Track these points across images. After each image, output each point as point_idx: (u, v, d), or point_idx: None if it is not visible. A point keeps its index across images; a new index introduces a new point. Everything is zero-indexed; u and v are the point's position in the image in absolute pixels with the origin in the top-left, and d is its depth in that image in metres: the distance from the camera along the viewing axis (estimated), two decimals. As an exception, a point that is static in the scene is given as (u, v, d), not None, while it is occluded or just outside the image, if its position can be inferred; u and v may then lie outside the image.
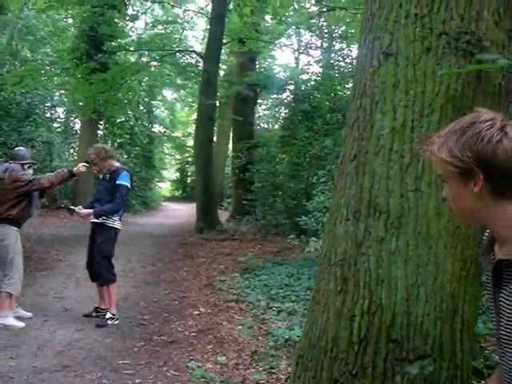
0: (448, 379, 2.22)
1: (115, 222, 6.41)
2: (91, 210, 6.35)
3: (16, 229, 6.12)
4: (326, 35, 20.21)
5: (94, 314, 6.56)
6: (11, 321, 6.01)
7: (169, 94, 30.07)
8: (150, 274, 9.78)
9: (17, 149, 6.60)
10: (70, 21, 21.09)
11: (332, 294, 2.36)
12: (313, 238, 8.58)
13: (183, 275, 9.73)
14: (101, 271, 6.35)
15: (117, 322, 6.30)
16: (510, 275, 1.48)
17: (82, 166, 6.51)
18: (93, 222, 6.48)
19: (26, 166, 6.31)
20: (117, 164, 6.58)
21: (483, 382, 3.38)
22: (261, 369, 5.11)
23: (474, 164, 1.47)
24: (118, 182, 6.30)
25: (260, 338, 6.09)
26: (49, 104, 20.74)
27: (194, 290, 8.44)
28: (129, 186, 6.46)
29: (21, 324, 6.01)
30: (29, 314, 6.35)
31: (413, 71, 2.31)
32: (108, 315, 6.28)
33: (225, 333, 6.24)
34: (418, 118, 2.23)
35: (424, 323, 2.19)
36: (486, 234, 1.66)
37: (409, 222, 2.24)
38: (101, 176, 6.75)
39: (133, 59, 20.04)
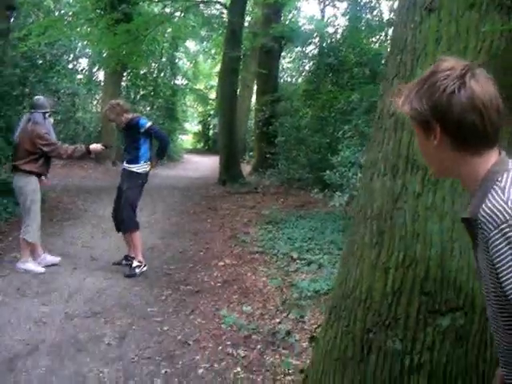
0: (478, 332, 2.28)
1: (141, 167, 6.53)
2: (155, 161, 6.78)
3: (36, 178, 6.24)
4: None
5: (124, 262, 6.72)
6: (31, 266, 6.22)
7: (192, 45, 29.80)
8: (175, 225, 9.92)
9: (36, 97, 6.63)
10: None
11: (367, 247, 2.41)
12: (337, 193, 8.60)
13: (207, 227, 9.85)
14: (123, 218, 6.49)
15: (145, 268, 6.45)
16: (475, 233, 1.44)
17: (99, 147, 6.71)
18: (123, 169, 6.65)
19: (46, 115, 6.37)
20: (132, 114, 6.69)
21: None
22: (286, 319, 5.23)
23: (431, 116, 1.42)
24: (143, 129, 6.43)
25: (284, 289, 6.21)
26: (72, 55, 20.70)
27: (218, 242, 8.57)
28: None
29: (40, 269, 6.21)
30: (57, 259, 6.57)
31: (455, 27, 2.29)
32: (135, 263, 6.42)
33: (249, 283, 6.37)
34: (459, 75, 2.23)
35: (457, 277, 2.24)
36: None
37: (446, 178, 2.25)
38: (120, 129, 6.93)
39: (156, 10, 19.83)
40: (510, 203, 1.33)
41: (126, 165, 6.59)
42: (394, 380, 2.27)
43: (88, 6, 16.62)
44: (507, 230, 1.31)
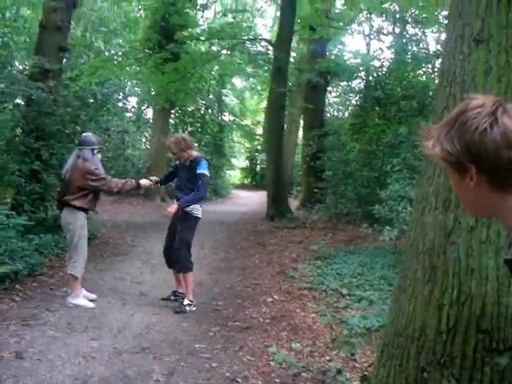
0: (538, 371, 2.18)
1: (197, 211, 6.55)
2: (176, 206, 6.54)
3: (84, 214, 6.33)
4: (398, 20, 19.80)
5: (172, 297, 6.72)
6: (81, 301, 6.24)
7: (238, 82, 30.29)
8: (223, 260, 9.92)
9: (84, 134, 6.76)
10: (141, 12, 21.51)
11: (420, 283, 2.36)
12: (387, 227, 8.48)
13: (255, 262, 9.82)
14: (179, 258, 6.50)
15: (194, 308, 6.42)
16: None
17: (148, 182, 6.84)
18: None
19: (95, 151, 6.49)
20: (196, 153, 6.70)
21: None
22: (336, 356, 5.13)
23: (464, 157, 1.34)
24: (198, 172, 6.44)
25: (334, 326, 6.10)
26: (121, 94, 21.30)
27: (266, 277, 8.51)
28: (208, 174, 6.62)
29: (91, 305, 6.23)
30: (93, 296, 6.53)
31: (505, 57, 2.26)
32: (186, 301, 6.40)
33: (298, 320, 6.28)
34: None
35: (515, 314, 2.16)
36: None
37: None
38: (177, 162, 6.94)
39: (203, 48, 20.28)
40: None
41: (177, 203, 6.62)
42: (451, 422, 2.19)
43: (137, 47, 17.14)
44: None
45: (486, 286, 2.18)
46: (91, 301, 6.37)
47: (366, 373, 3.54)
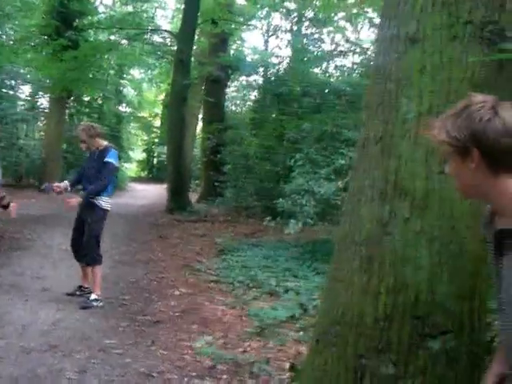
0: (466, 354, 2.34)
1: (104, 202, 6.39)
2: (79, 199, 6.31)
3: None
4: (295, 18, 20.22)
5: (77, 292, 6.55)
6: None
7: (136, 73, 29.76)
8: (125, 254, 9.75)
9: None
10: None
11: (356, 273, 2.44)
12: (292, 220, 8.68)
13: (159, 256, 9.74)
14: (88, 251, 6.33)
15: (101, 303, 6.27)
16: (509, 243, 1.68)
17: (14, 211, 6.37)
18: (84, 199, 6.45)
19: None
20: (105, 142, 6.53)
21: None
22: (249, 348, 5.20)
23: (470, 142, 1.66)
24: (105, 160, 6.28)
25: (244, 318, 6.18)
26: (13, 81, 20.31)
27: (171, 271, 8.47)
28: (116, 164, 6.46)
29: None
30: None
31: (439, 58, 2.40)
32: (93, 296, 6.25)
33: (208, 313, 6.30)
34: (444, 103, 2.32)
35: (446, 301, 2.30)
36: (487, 208, 1.83)
37: (433, 203, 2.34)
38: (88, 154, 6.71)
39: (101, 37, 19.73)
40: None
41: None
42: (387, 405, 2.30)
43: (34, 32, 16.40)
44: None
45: (420, 275, 2.30)
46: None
47: (293, 362, 3.62)
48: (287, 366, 4.55)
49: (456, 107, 1.75)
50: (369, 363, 2.31)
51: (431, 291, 2.29)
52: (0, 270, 7.58)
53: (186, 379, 4.43)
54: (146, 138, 36.07)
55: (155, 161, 35.06)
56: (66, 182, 6.73)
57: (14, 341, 4.92)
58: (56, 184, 6.68)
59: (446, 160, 1.84)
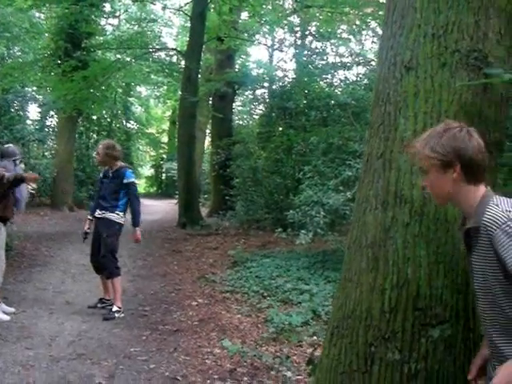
0: (463, 340, 2.67)
1: (119, 217, 6.72)
2: (138, 231, 6.89)
3: (2, 224, 6.26)
4: (298, 33, 20.53)
5: (99, 305, 6.85)
6: None
7: (143, 90, 30.20)
8: (142, 268, 10.06)
9: (6, 146, 6.81)
10: (43, 16, 20.95)
11: (364, 272, 2.78)
12: (302, 231, 8.96)
13: (175, 269, 10.03)
14: (106, 265, 6.65)
15: (123, 314, 6.56)
16: (475, 240, 2.05)
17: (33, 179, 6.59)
18: (97, 217, 6.81)
19: (17, 162, 6.49)
20: (121, 163, 6.87)
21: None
22: (267, 352, 5.49)
23: (453, 156, 2.08)
24: (127, 181, 6.63)
25: (259, 325, 6.46)
26: (24, 101, 20.65)
27: (188, 283, 8.75)
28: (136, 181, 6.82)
29: (6, 317, 6.11)
30: (12, 309, 6.40)
31: (431, 83, 2.74)
32: (114, 308, 6.55)
33: (225, 321, 6.57)
34: (435, 123, 2.64)
35: (443, 294, 2.63)
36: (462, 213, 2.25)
37: (429, 209, 2.67)
38: (101, 174, 7.05)
39: (110, 56, 20.10)
40: (505, 212, 1.96)
41: (101, 212, 6.75)
42: (395, 387, 2.63)
43: (44, 54, 16.79)
44: (507, 228, 1.92)
45: (420, 272, 2.63)
46: (8, 314, 6.24)
47: (310, 357, 3.93)
48: (303, 366, 4.87)
49: (436, 129, 2.19)
50: (377, 351, 2.64)
51: (430, 286, 2.62)
52: (23, 285, 7.91)
53: (208, 381, 4.72)
54: (153, 153, 36.41)
55: (163, 176, 35.37)
56: (88, 217, 7.10)
57: (43, 351, 5.21)
58: (87, 227, 7.06)
59: (423, 174, 2.23)
